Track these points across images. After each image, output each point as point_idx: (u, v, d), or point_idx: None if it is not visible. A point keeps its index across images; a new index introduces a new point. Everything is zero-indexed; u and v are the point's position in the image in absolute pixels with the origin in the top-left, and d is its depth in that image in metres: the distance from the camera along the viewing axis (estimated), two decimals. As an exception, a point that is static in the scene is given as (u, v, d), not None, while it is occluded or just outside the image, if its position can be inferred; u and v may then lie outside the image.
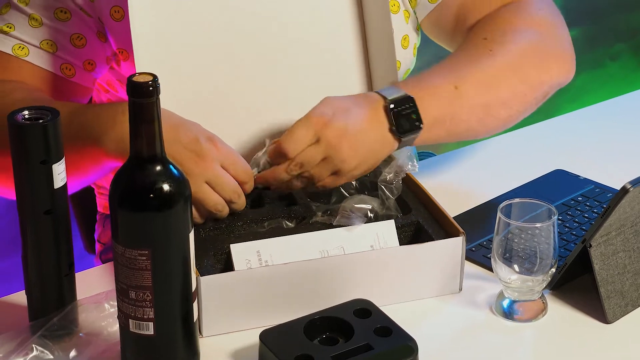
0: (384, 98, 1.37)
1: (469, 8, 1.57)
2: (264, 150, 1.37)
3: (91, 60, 1.50)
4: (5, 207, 2.08)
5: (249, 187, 1.35)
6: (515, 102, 1.48)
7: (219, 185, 1.31)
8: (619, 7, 3.04)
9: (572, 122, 1.80)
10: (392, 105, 1.37)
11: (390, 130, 1.36)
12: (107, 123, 1.33)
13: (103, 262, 1.73)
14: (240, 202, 1.34)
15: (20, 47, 1.47)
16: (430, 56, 1.78)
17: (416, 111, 1.37)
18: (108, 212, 1.75)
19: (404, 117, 1.37)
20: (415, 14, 1.61)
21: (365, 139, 1.35)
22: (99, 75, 1.53)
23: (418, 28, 1.63)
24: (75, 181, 1.41)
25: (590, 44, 3.02)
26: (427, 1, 1.58)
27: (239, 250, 1.30)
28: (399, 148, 1.38)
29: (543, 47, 1.52)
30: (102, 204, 1.76)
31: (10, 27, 1.47)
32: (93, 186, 1.76)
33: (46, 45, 1.47)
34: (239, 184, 1.33)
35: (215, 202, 1.32)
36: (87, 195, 1.77)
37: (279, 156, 1.35)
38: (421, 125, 1.38)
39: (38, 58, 1.47)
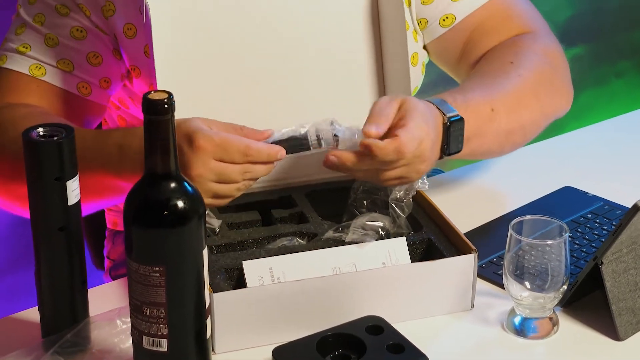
0: (443, 115, 1.39)
1: (482, 35, 1.59)
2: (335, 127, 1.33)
3: (107, 78, 1.50)
4: (13, 224, 2.08)
5: (258, 157, 1.29)
6: (530, 130, 1.53)
7: (224, 178, 1.27)
8: (623, 25, 3.05)
9: (578, 139, 1.81)
10: (448, 124, 1.38)
11: (441, 147, 1.39)
12: (121, 153, 1.33)
13: (113, 279, 1.73)
14: (256, 172, 1.29)
15: (37, 67, 1.47)
16: (435, 75, 1.78)
17: (463, 133, 1.40)
18: (117, 229, 1.77)
19: (454, 139, 1.39)
20: (422, 35, 1.62)
21: (435, 154, 1.37)
22: (113, 92, 1.54)
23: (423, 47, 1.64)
24: (96, 205, 1.42)
25: (595, 61, 3.03)
26: (438, 24, 1.59)
27: (251, 267, 1.30)
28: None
29: (555, 78, 1.57)
30: (111, 220, 1.76)
31: (27, 47, 1.48)
32: (102, 203, 1.76)
33: (63, 64, 1.48)
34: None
35: (234, 190, 1.29)
36: (96, 212, 1.77)
37: (390, 152, 1.30)
38: (462, 149, 1.40)
39: (55, 77, 1.48)
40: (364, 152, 1.30)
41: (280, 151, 1.30)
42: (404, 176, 1.34)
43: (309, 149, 1.33)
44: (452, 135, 1.39)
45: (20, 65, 1.47)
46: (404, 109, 1.33)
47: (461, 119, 1.39)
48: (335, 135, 1.33)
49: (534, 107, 1.52)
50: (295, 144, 1.33)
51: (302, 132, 1.33)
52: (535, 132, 1.56)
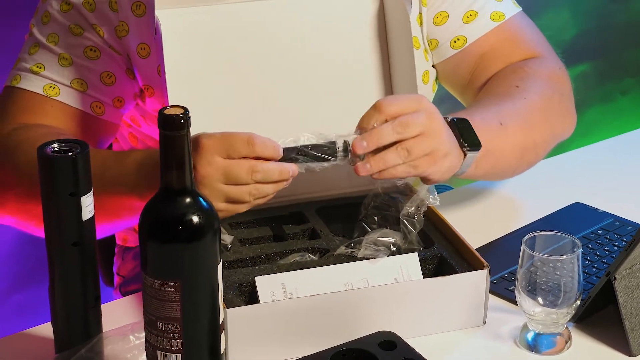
0: (445, 118, 1.39)
1: (491, 59, 1.60)
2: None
3: (120, 97, 1.51)
4: (22, 242, 2.08)
5: (260, 150, 1.27)
6: (541, 149, 1.54)
7: (232, 178, 1.26)
8: (629, 42, 3.06)
9: (587, 156, 1.81)
10: (455, 120, 1.39)
11: (459, 143, 1.39)
12: (139, 172, 1.33)
13: (123, 295, 1.73)
14: (266, 172, 1.27)
15: (51, 86, 1.47)
16: (444, 91, 1.79)
17: (474, 130, 1.40)
18: (127, 245, 1.77)
19: (466, 132, 1.39)
20: (432, 55, 1.63)
21: (454, 148, 1.36)
22: (126, 111, 1.54)
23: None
24: (109, 227, 1.43)
25: (601, 79, 3.04)
26: (449, 46, 1.60)
27: (264, 283, 1.31)
28: (463, 163, 1.40)
29: (562, 102, 1.58)
30: (121, 236, 1.77)
31: (41, 67, 1.48)
32: (112, 219, 1.76)
33: (77, 84, 1.48)
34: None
35: (245, 193, 1.27)
36: (105, 228, 1.78)
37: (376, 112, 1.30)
38: (480, 145, 1.39)
39: (69, 97, 1.48)
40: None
41: (280, 149, 1.29)
42: (432, 149, 1.32)
43: (334, 157, 1.32)
44: (463, 130, 1.39)
45: (34, 85, 1.48)
46: None
47: (464, 119, 1.40)
48: None
49: (544, 127, 1.53)
50: (320, 151, 1.32)
51: (329, 140, 1.32)
52: (545, 152, 1.58)
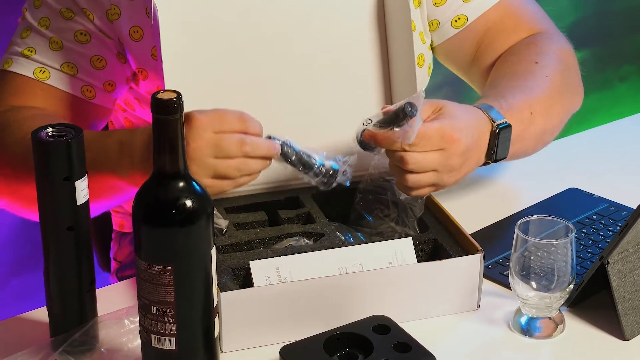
0: (492, 122, 1.40)
1: (495, 36, 1.60)
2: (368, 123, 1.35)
3: (111, 82, 1.51)
4: (19, 227, 2.09)
5: (252, 127, 1.29)
6: (557, 129, 1.56)
7: (222, 152, 1.27)
8: (628, 29, 3.06)
9: (583, 141, 1.81)
10: (497, 131, 1.40)
11: (487, 153, 1.40)
12: (121, 152, 1.34)
13: (119, 280, 1.74)
14: (254, 147, 1.28)
15: (41, 70, 1.48)
16: (440, 76, 1.79)
17: (510, 139, 1.41)
18: (124, 230, 1.77)
19: (502, 145, 1.41)
20: (430, 35, 1.63)
21: (471, 162, 1.38)
22: (118, 95, 1.54)
23: (430, 49, 1.65)
24: (98, 206, 1.43)
25: (600, 65, 3.04)
26: (450, 26, 1.60)
27: (258, 267, 1.31)
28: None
29: (572, 77, 1.59)
30: (118, 222, 1.77)
31: (32, 51, 1.48)
32: (109, 204, 1.77)
33: (67, 68, 1.48)
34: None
35: (233, 168, 1.28)
36: (102, 213, 1.78)
37: (393, 140, 1.32)
38: (507, 154, 1.42)
39: (59, 81, 1.49)
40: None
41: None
42: (433, 183, 1.35)
43: (313, 176, 1.36)
44: (500, 142, 1.40)
45: (25, 68, 1.48)
46: (440, 113, 1.36)
47: (509, 126, 1.41)
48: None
49: (562, 107, 1.55)
50: (307, 165, 1.35)
51: (318, 160, 1.35)
52: (560, 131, 1.59)
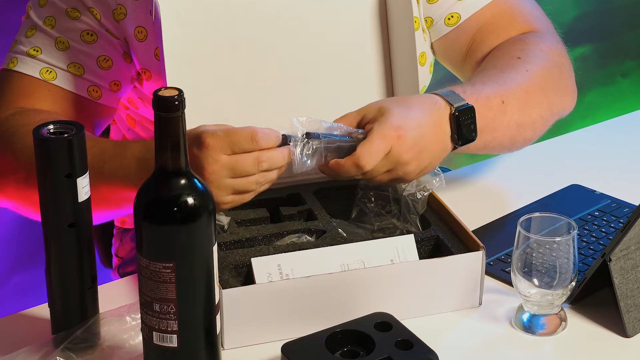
0: (450, 105, 1.39)
1: (487, 34, 1.60)
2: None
3: (117, 81, 1.51)
4: (21, 224, 2.08)
5: (265, 143, 1.28)
6: (539, 125, 1.53)
7: (238, 172, 1.27)
8: (630, 25, 3.06)
9: (584, 138, 1.81)
10: (457, 114, 1.39)
11: (451, 137, 1.39)
12: (139, 167, 1.33)
13: (121, 276, 1.74)
14: (271, 161, 1.29)
15: (47, 70, 1.47)
16: (442, 74, 1.79)
17: (475, 122, 1.40)
18: (125, 227, 1.77)
19: (465, 127, 1.39)
20: (429, 34, 1.63)
21: (431, 150, 1.37)
22: (123, 94, 1.54)
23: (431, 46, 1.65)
24: (112, 215, 1.43)
25: (601, 61, 3.04)
26: (444, 23, 1.60)
27: (260, 264, 1.31)
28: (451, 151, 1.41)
29: (561, 77, 1.58)
30: (119, 218, 1.77)
31: (37, 51, 1.48)
32: (110, 201, 1.77)
33: (73, 68, 1.48)
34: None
35: (252, 183, 1.29)
36: (104, 210, 1.78)
37: (350, 167, 1.32)
38: (475, 137, 1.40)
39: (65, 81, 1.48)
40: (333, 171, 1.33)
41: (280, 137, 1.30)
42: (394, 178, 1.36)
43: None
44: (462, 125, 1.39)
45: (31, 69, 1.48)
46: (377, 114, 1.34)
47: (471, 107, 1.40)
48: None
49: (543, 103, 1.53)
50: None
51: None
52: (544, 129, 1.57)
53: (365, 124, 1.35)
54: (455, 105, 1.39)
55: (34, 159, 1.21)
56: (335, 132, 1.34)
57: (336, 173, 1.33)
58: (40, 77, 1.47)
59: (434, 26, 1.61)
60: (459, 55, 1.62)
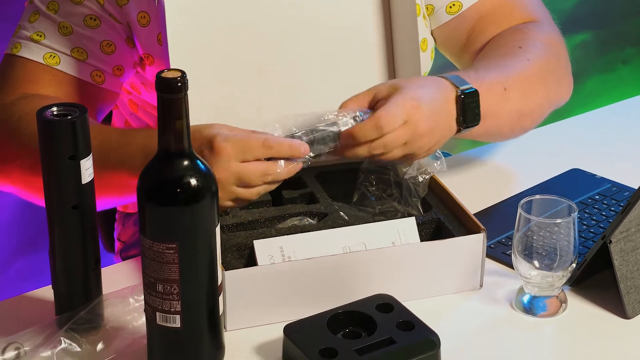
0: (456, 87, 1.40)
1: (487, 24, 1.60)
2: (323, 124, 1.35)
3: (120, 66, 1.51)
4: (24, 209, 2.09)
5: (279, 151, 1.30)
6: (536, 115, 1.55)
7: (245, 181, 1.29)
8: (631, 11, 3.06)
9: (585, 122, 1.82)
10: (462, 96, 1.39)
11: (456, 119, 1.40)
12: (146, 156, 1.33)
13: (123, 260, 1.74)
14: (282, 173, 1.31)
15: (51, 55, 1.48)
16: (442, 61, 1.79)
17: (478, 106, 1.41)
18: (127, 211, 1.78)
19: (470, 110, 1.40)
20: (429, 21, 1.63)
21: (441, 127, 1.38)
22: (126, 79, 1.54)
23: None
24: (112, 201, 1.44)
25: (602, 48, 3.04)
26: (445, 11, 1.61)
27: (262, 246, 1.32)
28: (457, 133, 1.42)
29: (559, 68, 1.59)
30: (122, 203, 1.78)
31: (41, 36, 1.48)
32: (112, 185, 1.77)
33: (77, 53, 1.48)
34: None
35: (255, 193, 1.31)
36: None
37: (370, 130, 1.32)
38: (479, 120, 1.41)
39: (69, 66, 1.48)
40: (350, 139, 1.32)
41: (303, 146, 1.31)
42: (410, 154, 1.36)
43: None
44: (467, 108, 1.40)
45: (34, 54, 1.48)
46: (391, 90, 1.36)
47: (475, 91, 1.40)
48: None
49: (542, 93, 1.54)
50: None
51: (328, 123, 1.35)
52: (540, 119, 1.58)
53: (376, 102, 1.35)
54: (460, 88, 1.40)
55: (34, 155, 1.22)
56: (321, 126, 1.34)
57: (354, 139, 1.32)
58: (43, 62, 1.48)
59: (434, 14, 1.61)
60: (458, 43, 1.63)
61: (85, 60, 1.49)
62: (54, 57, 1.48)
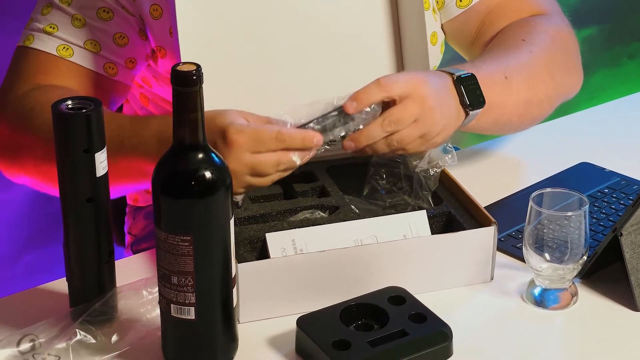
0: (451, 74, 1.41)
1: (497, 17, 1.61)
2: (333, 110, 1.35)
3: (132, 59, 1.52)
4: (36, 201, 2.10)
5: (292, 143, 1.30)
6: (545, 105, 1.55)
7: (259, 171, 1.30)
8: (636, 6, 3.06)
9: (593, 116, 1.82)
10: (458, 81, 1.40)
11: (460, 101, 1.40)
12: (160, 143, 1.34)
13: (134, 254, 1.75)
14: (290, 166, 1.31)
15: (64, 47, 1.49)
16: (451, 54, 1.80)
17: (479, 88, 1.41)
18: (138, 205, 1.79)
19: (471, 91, 1.40)
20: (439, 14, 1.64)
21: (449, 105, 1.38)
22: (137, 72, 1.55)
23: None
24: (126, 188, 1.45)
25: (608, 43, 3.04)
26: (455, 5, 1.61)
27: (274, 239, 1.32)
28: (466, 119, 1.42)
29: (567, 59, 1.59)
30: (132, 196, 1.78)
31: (54, 28, 1.49)
32: (123, 179, 1.78)
33: (90, 45, 1.49)
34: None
35: (268, 181, 1.32)
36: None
37: (372, 89, 1.33)
38: (484, 102, 1.41)
39: (82, 58, 1.49)
40: (355, 111, 1.33)
41: (316, 136, 1.31)
42: (424, 133, 1.35)
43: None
44: (467, 89, 1.40)
45: (47, 45, 1.49)
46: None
47: (472, 75, 1.41)
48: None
49: (548, 83, 1.54)
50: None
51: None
52: (550, 109, 1.58)
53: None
54: (455, 74, 1.41)
55: (53, 134, 1.22)
56: (331, 112, 1.35)
57: (364, 135, 1.33)
58: (57, 54, 1.48)
59: (445, 7, 1.62)
60: (468, 37, 1.64)
61: (99, 53, 1.50)
62: (68, 49, 1.49)
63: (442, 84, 1.39)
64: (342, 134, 1.34)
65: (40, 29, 1.49)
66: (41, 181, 1.45)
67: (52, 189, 1.44)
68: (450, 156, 1.42)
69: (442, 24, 1.65)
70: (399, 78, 1.35)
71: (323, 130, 1.33)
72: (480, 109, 1.41)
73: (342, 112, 1.34)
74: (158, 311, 1.23)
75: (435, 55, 1.65)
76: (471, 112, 1.41)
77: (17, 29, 1.57)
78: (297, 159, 1.31)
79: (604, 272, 1.37)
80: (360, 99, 1.33)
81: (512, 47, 1.54)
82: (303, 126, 1.33)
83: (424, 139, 1.36)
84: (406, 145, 1.35)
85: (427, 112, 1.34)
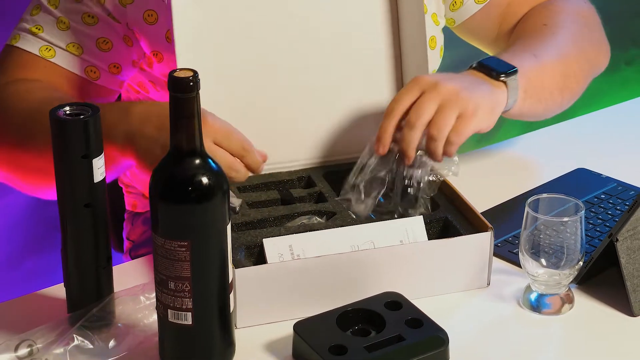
0: (472, 64, 1.42)
1: (517, 5, 1.63)
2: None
3: (117, 64, 1.53)
4: (34, 207, 2.10)
5: (251, 159, 1.34)
6: (581, 77, 1.56)
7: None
8: (635, 12, 3.06)
9: (590, 123, 1.83)
10: (475, 65, 1.42)
11: (488, 75, 1.41)
12: (118, 117, 1.36)
13: (132, 259, 1.75)
14: (240, 175, 1.34)
15: (47, 48, 1.50)
16: (451, 59, 1.80)
17: (502, 60, 1.42)
18: (136, 211, 1.79)
19: (493, 62, 1.42)
20: (451, 15, 1.64)
21: (476, 83, 1.38)
22: (125, 77, 1.56)
23: (442, 31, 1.67)
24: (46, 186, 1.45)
25: (605, 49, 3.04)
26: (473, 2, 1.63)
27: (271, 244, 1.33)
28: (508, 95, 1.41)
29: (593, 34, 1.61)
30: (131, 202, 1.79)
31: (39, 29, 1.51)
32: (121, 185, 1.79)
33: (72, 47, 1.51)
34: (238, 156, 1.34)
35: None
36: (114, 193, 1.80)
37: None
38: (515, 68, 1.41)
39: (63, 60, 1.51)
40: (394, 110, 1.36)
41: (262, 164, 1.36)
42: (458, 112, 1.34)
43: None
44: (489, 63, 1.42)
45: (31, 45, 1.51)
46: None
47: (493, 57, 1.43)
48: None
49: (579, 56, 1.55)
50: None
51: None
52: (586, 82, 1.59)
53: None
54: (473, 63, 1.43)
55: (27, 125, 1.23)
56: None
57: (403, 141, 1.35)
58: (39, 54, 1.50)
59: (464, 5, 1.64)
60: (490, 31, 1.65)
61: (80, 56, 1.51)
62: (50, 50, 1.50)
63: (458, 74, 1.40)
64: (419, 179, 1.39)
65: (27, 29, 1.51)
66: (14, 174, 1.47)
67: (26, 185, 1.46)
68: (454, 167, 1.42)
69: (457, 24, 1.66)
70: (400, 91, 1.36)
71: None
72: (516, 75, 1.41)
73: (392, 167, 1.39)
74: (155, 316, 1.23)
75: (435, 59, 1.65)
76: (509, 81, 1.40)
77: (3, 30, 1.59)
78: (244, 173, 1.34)
79: (600, 277, 1.37)
80: (380, 136, 1.36)
81: (534, 31, 1.55)
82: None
83: (463, 118, 1.34)
84: (448, 129, 1.34)
85: (447, 93, 1.34)
